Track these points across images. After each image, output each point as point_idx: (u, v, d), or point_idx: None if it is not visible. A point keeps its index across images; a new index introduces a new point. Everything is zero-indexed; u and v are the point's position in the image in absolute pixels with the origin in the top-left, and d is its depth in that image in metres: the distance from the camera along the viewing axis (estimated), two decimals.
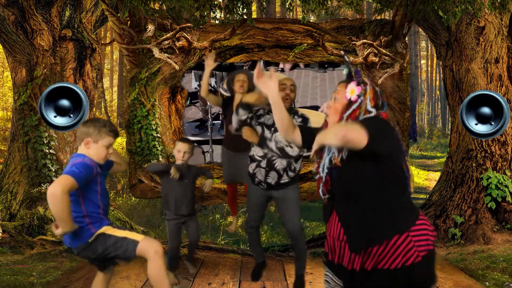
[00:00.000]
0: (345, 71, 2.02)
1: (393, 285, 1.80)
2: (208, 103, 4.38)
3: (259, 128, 3.19)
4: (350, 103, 1.90)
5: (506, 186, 5.10)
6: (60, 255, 4.42)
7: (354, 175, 1.84)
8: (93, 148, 2.31)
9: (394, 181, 1.83)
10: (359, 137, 1.69)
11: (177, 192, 3.53)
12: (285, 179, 3.16)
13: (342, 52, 2.16)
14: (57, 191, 2.06)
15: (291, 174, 3.17)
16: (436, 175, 11.27)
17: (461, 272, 4.12)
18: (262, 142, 3.15)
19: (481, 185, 5.19)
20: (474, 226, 5.03)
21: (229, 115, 4.02)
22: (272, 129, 3.12)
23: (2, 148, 10.82)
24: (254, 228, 3.41)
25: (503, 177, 5.14)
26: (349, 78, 1.97)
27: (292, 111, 3.22)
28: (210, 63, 3.90)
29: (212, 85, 8.68)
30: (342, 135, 1.70)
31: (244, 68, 8.11)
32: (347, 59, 2.05)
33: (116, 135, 2.40)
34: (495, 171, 5.19)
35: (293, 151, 3.13)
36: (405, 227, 1.81)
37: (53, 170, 5.26)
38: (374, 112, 1.88)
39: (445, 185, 5.62)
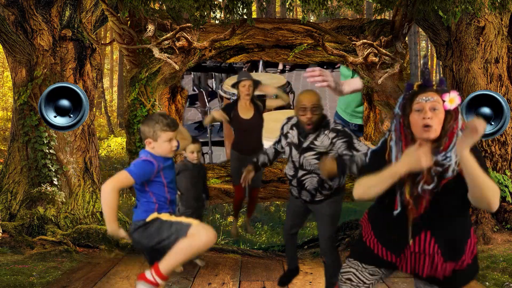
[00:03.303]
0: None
1: (469, 279, 1.90)
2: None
3: (287, 149, 3.02)
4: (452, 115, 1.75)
5: (506, 186, 5.10)
6: (60, 255, 4.42)
7: (453, 196, 1.77)
8: (156, 146, 2.34)
9: None
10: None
11: (189, 189, 3.83)
12: (319, 197, 2.98)
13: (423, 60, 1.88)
14: (107, 187, 2.17)
15: (325, 192, 2.96)
16: None
17: None
18: (292, 162, 2.99)
19: None
20: (474, 226, 5.03)
21: (235, 118, 4.17)
22: (300, 149, 2.92)
23: (2, 148, 10.82)
24: (291, 235, 3.36)
25: (503, 177, 5.13)
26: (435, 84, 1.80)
27: (325, 126, 2.89)
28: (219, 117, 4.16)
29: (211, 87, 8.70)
30: (495, 202, 1.65)
31: (244, 69, 8.12)
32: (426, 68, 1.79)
33: (172, 126, 2.35)
34: (495, 171, 5.19)
35: None
36: (471, 223, 1.91)
37: (53, 170, 5.25)
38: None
39: None
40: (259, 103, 4.21)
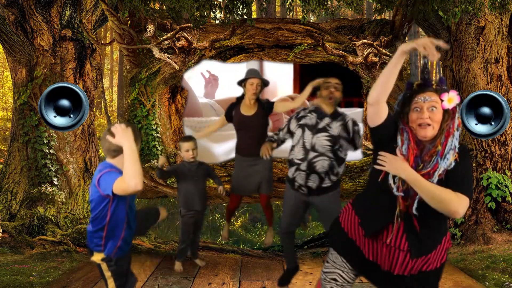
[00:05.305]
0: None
1: (435, 283, 1.92)
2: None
3: (299, 131, 3.04)
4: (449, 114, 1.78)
5: (506, 186, 5.10)
6: (60, 255, 4.42)
7: None
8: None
9: None
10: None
11: (191, 189, 3.79)
12: (327, 183, 2.96)
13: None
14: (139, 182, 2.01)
15: (333, 178, 2.97)
16: None
17: (461, 272, 4.12)
18: (302, 144, 3.00)
19: (481, 185, 5.19)
20: (474, 226, 5.03)
21: (236, 116, 3.89)
22: (314, 129, 2.98)
23: (2, 148, 10.82)
24: (287, 234, 3.33)
25: (503, 177, 5.13)
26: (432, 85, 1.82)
27: (340, 115, 3.07)
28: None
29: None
30: (453, 210, 1.67)
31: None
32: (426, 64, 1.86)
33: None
34: (495, 171, 5.19)
35: (337, 153, 2.96)
36: (446, 229, 1.92)
37: (53, 170, 5.25)
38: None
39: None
40: (264, 102, 3.88)
